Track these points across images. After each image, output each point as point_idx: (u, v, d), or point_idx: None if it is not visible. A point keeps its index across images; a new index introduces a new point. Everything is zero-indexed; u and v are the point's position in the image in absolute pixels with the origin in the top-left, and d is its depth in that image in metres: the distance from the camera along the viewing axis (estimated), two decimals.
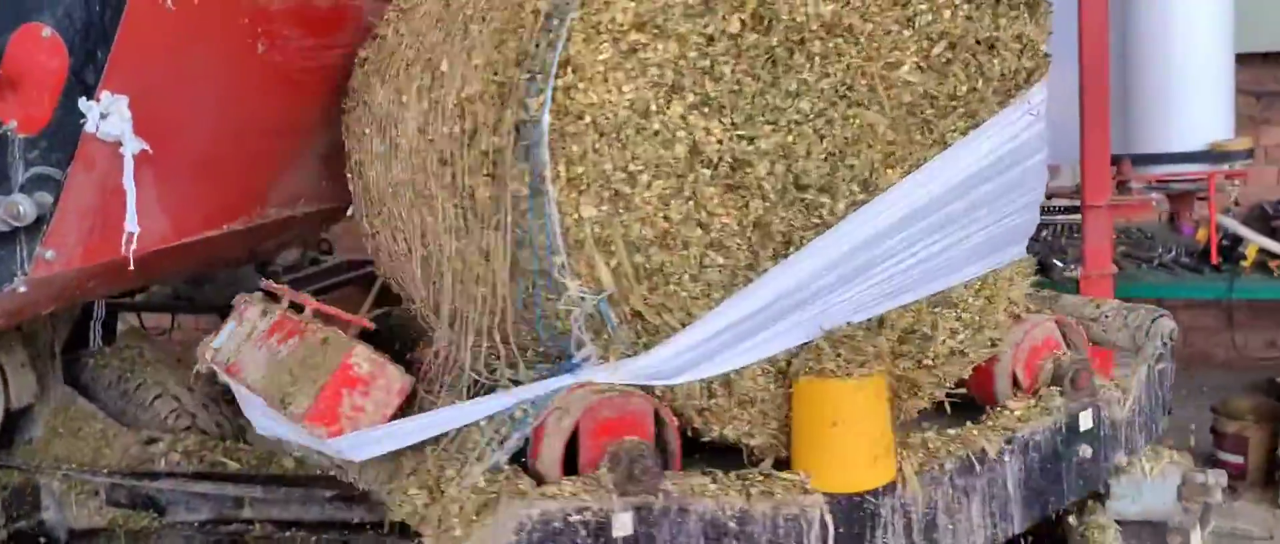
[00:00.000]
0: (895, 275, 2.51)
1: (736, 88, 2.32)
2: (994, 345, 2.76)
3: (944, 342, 2.65)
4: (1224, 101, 5.21)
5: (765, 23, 2.34)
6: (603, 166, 2.22)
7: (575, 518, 2.08)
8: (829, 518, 2.26)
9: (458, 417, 2.30)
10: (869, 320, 2.50)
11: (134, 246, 2.57)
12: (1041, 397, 2.74)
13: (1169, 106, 5.12)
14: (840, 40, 2.43)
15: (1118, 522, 2.61)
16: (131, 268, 2.61)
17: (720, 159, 2.31)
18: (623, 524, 2.10)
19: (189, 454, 3.28)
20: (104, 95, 2.45)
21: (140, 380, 3.55)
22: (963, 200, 2.59)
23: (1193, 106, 5.11)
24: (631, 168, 2.23)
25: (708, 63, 2.29)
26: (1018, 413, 2.69)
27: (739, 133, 2.33)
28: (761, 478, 2.29)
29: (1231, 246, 5.44)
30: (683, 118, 2.26)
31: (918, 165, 2.54)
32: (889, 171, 2.50)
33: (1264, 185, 6.81)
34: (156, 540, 3.29)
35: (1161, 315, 3.18)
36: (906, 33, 2.51)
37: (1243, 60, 5.62)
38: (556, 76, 2.20)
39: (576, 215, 2.20)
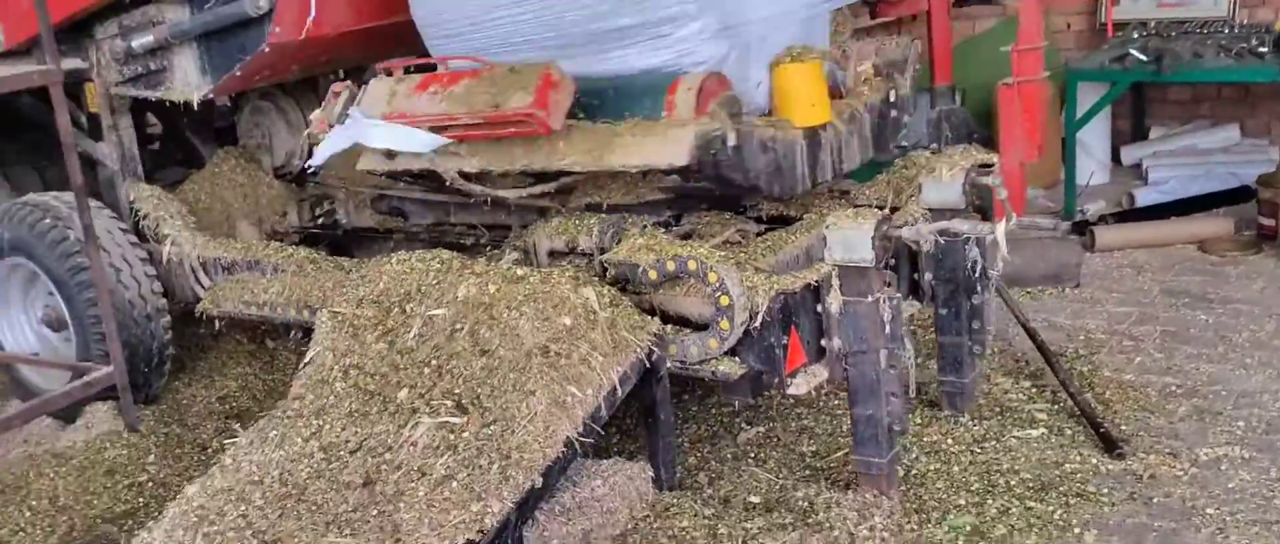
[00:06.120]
0: None
1: None
2: None
3: None
4: None
5: None
6: None
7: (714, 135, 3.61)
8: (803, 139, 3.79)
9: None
10: None
11: (314, 29, 4.23)
12: None
13: None
14: None
15: (927, 208, 3.92)
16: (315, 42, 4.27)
17: None
18: (732, 137, 3.64)
19: (417, 179, 4.98)
20: None
21: None
22: None
23: None
24: None
25: None
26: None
27: None
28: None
29: None
30: None
31: None
32: None
33: None
34: (401, 236, 5.02)
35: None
36: None
37: None
38: None
39: None
